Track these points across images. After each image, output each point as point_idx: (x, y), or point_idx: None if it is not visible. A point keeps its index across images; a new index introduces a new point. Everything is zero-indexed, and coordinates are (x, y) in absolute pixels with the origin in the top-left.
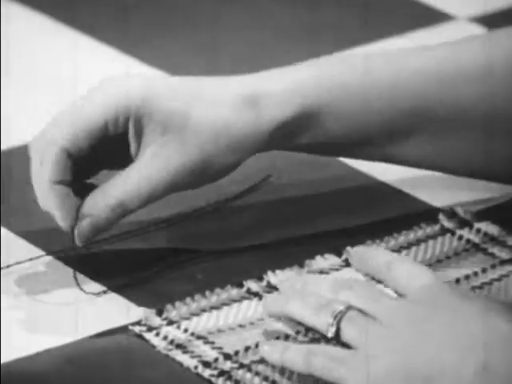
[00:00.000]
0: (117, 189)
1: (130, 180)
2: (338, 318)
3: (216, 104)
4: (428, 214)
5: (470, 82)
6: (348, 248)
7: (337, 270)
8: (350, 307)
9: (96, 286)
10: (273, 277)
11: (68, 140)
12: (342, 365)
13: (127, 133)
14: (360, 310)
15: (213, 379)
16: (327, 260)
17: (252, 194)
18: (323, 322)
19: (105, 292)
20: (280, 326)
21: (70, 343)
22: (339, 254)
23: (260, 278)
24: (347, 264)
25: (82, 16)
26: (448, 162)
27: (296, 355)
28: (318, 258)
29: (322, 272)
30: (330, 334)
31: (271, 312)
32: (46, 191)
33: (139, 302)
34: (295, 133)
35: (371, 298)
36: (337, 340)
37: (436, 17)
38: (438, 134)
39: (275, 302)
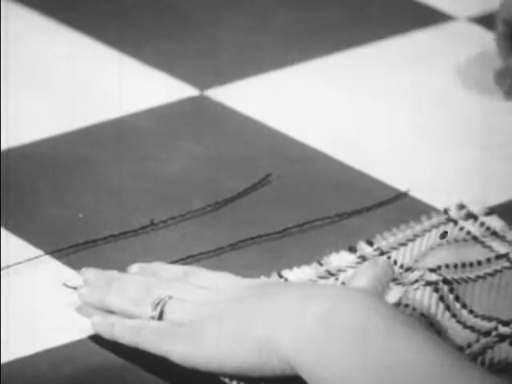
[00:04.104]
0: None
1: None
2: (162, 304)
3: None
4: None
5: None
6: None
7: (353, 267)
8: (171, 297)
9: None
10: (290, 274)
11: None
12: (168, 336)
13: None
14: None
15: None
16: (342, 256)
17: (252, 193)
18: (145, 311)
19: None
20: None
21: (70, 343)
22: (351, 251)
23: (280, 276)
24: (363, 260)
25: (82, 16)
26: None
27: (123, 329)
28: (334, 254)
29: (339, 270)
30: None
31: (89, 303)
32: None
33: None
34: None
35: (188, 290)
36: None
37: (436, 17)
38: None
39: (92, 295)
